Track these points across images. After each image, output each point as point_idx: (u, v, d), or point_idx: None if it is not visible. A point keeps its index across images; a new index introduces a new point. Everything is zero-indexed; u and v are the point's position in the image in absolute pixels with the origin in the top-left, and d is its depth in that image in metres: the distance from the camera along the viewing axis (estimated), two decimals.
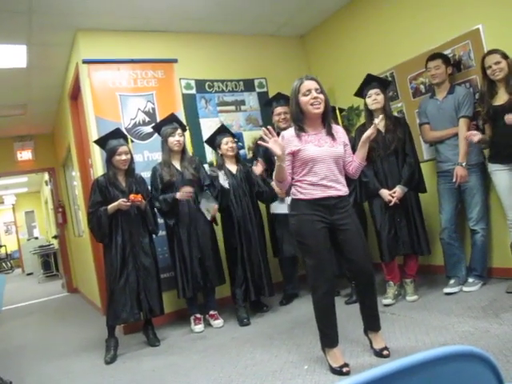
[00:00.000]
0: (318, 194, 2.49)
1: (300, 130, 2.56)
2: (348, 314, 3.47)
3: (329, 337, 2.53)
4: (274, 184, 2.59)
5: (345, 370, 2.43)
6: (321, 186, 2.49)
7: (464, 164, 3.41)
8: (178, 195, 3.66)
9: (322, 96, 2.51)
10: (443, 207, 3.65)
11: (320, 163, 2.50)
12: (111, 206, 3.47)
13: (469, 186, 3.51)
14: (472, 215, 3.53)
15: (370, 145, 3.55)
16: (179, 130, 3.80)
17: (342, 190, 2.56)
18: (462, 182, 3.44)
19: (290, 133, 2.58)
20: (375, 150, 3.62)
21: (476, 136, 3.21)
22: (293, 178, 2.59)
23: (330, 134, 2.58)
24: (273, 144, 2.41)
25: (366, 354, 2.64)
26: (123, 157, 3.55)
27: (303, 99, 2.51)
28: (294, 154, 2.54)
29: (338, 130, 2.67)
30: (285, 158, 2.48)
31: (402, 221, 3.56)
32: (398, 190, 3.51)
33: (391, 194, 3.52)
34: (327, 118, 2.59)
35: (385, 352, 2.55)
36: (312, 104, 2.49)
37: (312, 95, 2.48)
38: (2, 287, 3.17)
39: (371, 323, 2.65)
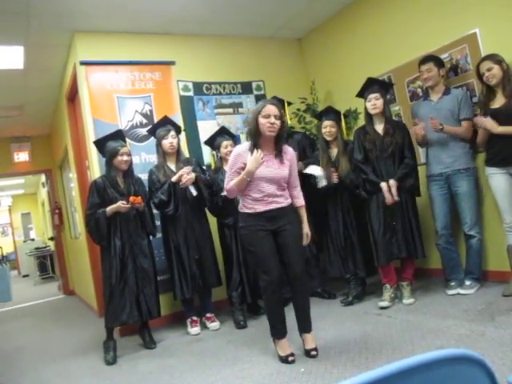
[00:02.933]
0: (262, 208, 2.78)
1: (255, 147, 2.78)
2: (346, 317, 3.48)
3: (277, 330, 2.82)
4: (229, 187, 2.83)
5: (290, 359, 2.73)
6: (263, 201, 2.78)
7: (441, 127, 3.38)
8: (173, 178, 3.66)
9: (278, 122, 2.74)
10: (437, 214, 3.65)
11: (265, 182, 2.77)
12: (110, 208, 3.46)
13: (462, 192, 3.52)
14: (467, 220, 3.53)
15: (367, 146, 3.62)
16: (172, 132, 3.79)
17: (284, 202, 2.84)
18: (433, 126, 3.40)
19: (245, 147, 2.83)
20: (372, 151, 3.64)
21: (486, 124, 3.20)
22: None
23: (279, 156, 2.83)
24: (252, 160, 2.72)
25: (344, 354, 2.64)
26: (125, 158, 3.55)
27: (262, 121, 2.74)
28: (244, 168, 2.76)
29: (288, 151, 2.91)
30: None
31: (397, 224, 3.57)
32: (391, 182, 3.50)
33: (389, 190, 3.51)
34: (280, 141, 2.84)
35: (312, 352, 2.76)
36: (268, 127, 2.72)
37: (270, 120, 2.72)
38: (7, 277, 3.20)
39: (303, 325, 2.86)
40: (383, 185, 3.54)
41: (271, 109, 2.74)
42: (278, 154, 2.84)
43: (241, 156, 2.80)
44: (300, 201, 2.98)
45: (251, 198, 2.80)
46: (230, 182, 2.81)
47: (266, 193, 2.77)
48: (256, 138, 2.79)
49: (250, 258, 3.05)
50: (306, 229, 2.96)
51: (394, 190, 3.49)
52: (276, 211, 2.79)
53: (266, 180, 2.77)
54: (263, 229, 2.77)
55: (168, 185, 3.68)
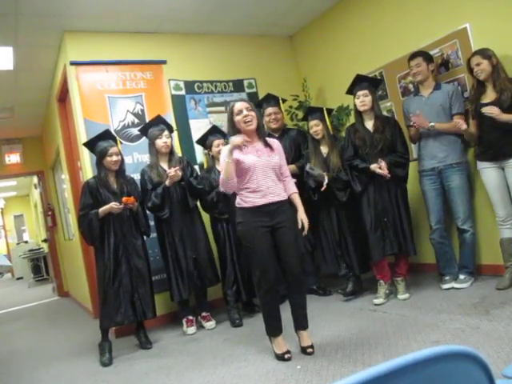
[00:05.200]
0: (260, 201, 2.76)
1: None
2: (341, 313, 3.48)
3: (272, 327, 2.83)
4: (220, 179, 2.83)
5: (286, 356, 2.74)
6: (260, 192, 2.76)
7: (432, 125, 3.43)
8: (167, 182, 3.63)
9: (252, 113, 2.81)
10: (430, 208, 3.66)
11: (259, 171, 2.77)
12: (102, 210, 3.44)
13: (454, 186, 3.53)
14: (459, 214, 3.55)
15: (357, 143, 3.62)
16: (166, 132, 3.78)
17: (281, 194, 2.83)
18: (421, 125, 3.47)
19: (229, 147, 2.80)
20: (362, 148, 3.64)
21: (464, 125, 3.27)
22: None
23: (267, 145, 2.87)
24: (234, 139, 2.70)
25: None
26: (114, 158, 3.52)
27: (237, 118, 2.81)
28: (236, 163, 2.76)
29: (274, 142, 2.95)
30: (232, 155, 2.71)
31: (388, 220, 3.58)
32: (382, 163, 3.48)
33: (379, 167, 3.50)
34: (261, 131, 2.90)
35: (309, 350, 2.77)
36: (245, 122, 2.79)
37: (243, 114, 2.78)
38: None
39: (299, 322, 2.86)
40: (373, 166, 3.52)
41: (241, 105, 2.81)
42: (266, 143, 2.87)
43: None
44: (292, 188, 2.96)
45: (248, 190, 2.78)
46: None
47: (261, 183, 2.76)
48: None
49: (247, 255, 3.08)
50: (303, 215, 2.90)
51: (383, 165, 3.47)
52: (274, 205, 2.78)
53: (260, 169, 2.77)
54: (261, 225, 2.76)
55: (162, 189, 3.66)
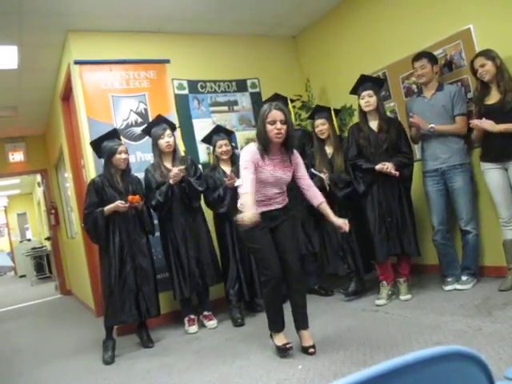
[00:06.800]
0: (263, 209, 2.81)
1: (263, 150, 2.78)
2: (343, 313, 3.48)
3: (276, 324, 2.87)
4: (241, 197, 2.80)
5: (288, 346, 2.79)
6: (265, 202, 2.84)
7: (432, 126, 3.43)
8: (171, 180, 3.63)
9: (285, 127, 2.73)
10: (434, 209, 3.65)
11: (269, 186, 2.82)
12: (108, 208, 3.45)
13: (457, 187, 3.53)
14: (462, 216, 3.54)
15: (361, 143, 3.62)
16: (168, 131, 3.78)
17: (283, 202, 2.93)
18: (416, 124, 3.48)
19: (254, 147, 2.80)
20: (366, 147, 3.64)
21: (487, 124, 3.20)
22: None
23: (286, 158, 2.86)
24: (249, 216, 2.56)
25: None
26: (123, 155, 3.55)
27: (268, 127, 2.73)
28: (256, 167, 2.75)
29: (295, 154, 2.92)
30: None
31: (392, 221, 3.57)
32: (389, 164, 3.48)
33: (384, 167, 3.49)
34: (287, 144, 2.82)
35: (310, 350, 2.77)
36: (275, 134, 2.72)
37: (276, 126, 2.71)
38: None
39: (300, 322, 2.87)
40: (379, 166, 3.50)
41: (276, 114, 2.72)
42: (285, 157, 2.85)
43: (252, 153, 2.76)
44: (321, 197, 2.94)
45: (255, 199, 2.77)
46: (246, 185, 2.66)
47: (268, 195, 2.84)
48: (266, 142, 2.76)
49: (251, 254, 3.18)
50: (339, 220, 2.89)
51: (390, 166, 3.47)
52: (276, 211, 2.88)
53: (270, 184, 2.82)
54: (264, 226, 2.81)
55: (167, 186, 3.66)
